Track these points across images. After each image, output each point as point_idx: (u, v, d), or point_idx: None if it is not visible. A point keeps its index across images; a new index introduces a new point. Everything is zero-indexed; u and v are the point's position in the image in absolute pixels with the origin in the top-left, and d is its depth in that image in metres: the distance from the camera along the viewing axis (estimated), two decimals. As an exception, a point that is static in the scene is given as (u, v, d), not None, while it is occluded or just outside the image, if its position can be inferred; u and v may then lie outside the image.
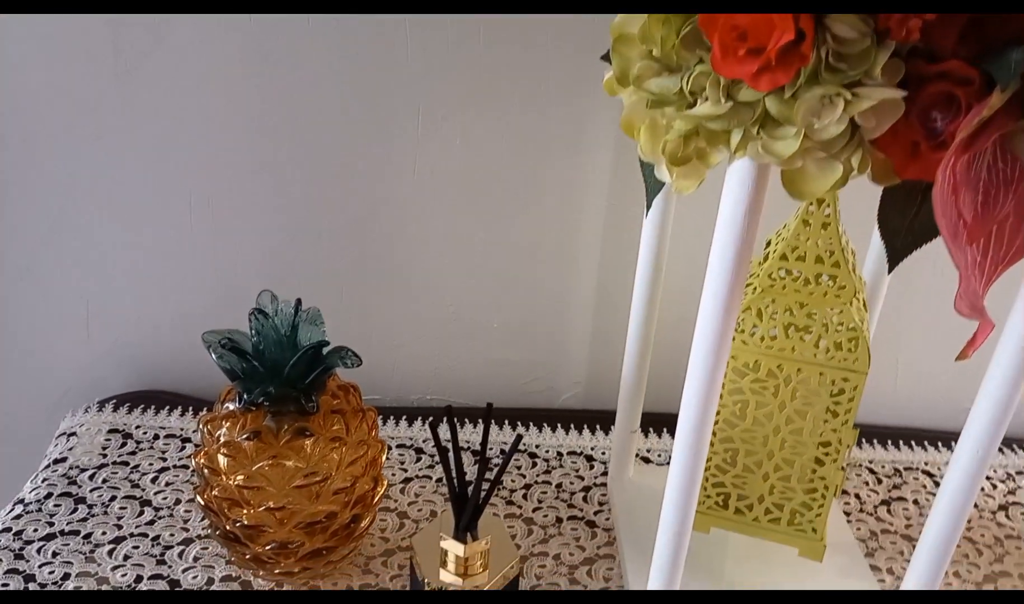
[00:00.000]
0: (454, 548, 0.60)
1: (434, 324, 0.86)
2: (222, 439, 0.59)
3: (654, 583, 0.56)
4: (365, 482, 0.62)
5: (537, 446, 0.82)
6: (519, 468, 0.79)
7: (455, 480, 0.60)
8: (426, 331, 0.86)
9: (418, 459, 0.79)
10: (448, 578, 0.60)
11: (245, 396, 0.57)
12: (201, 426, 0.61)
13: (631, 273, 0.84)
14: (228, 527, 0.59)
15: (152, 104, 0.74)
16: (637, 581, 0.65)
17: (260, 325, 0.58)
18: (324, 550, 0.61)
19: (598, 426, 0.84)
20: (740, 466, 0.61)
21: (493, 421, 0.84)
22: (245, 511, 0.58)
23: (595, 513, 0.74)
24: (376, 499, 0.64)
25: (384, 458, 0.65)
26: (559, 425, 0.84)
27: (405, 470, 0.78)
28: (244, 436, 0.58)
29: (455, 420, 0.61)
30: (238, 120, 0.75)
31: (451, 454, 0.59)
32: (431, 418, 0.58)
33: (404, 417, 0.84)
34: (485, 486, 0.58)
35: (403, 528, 0.72)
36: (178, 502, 0.72)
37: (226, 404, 0.61)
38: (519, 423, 0.84)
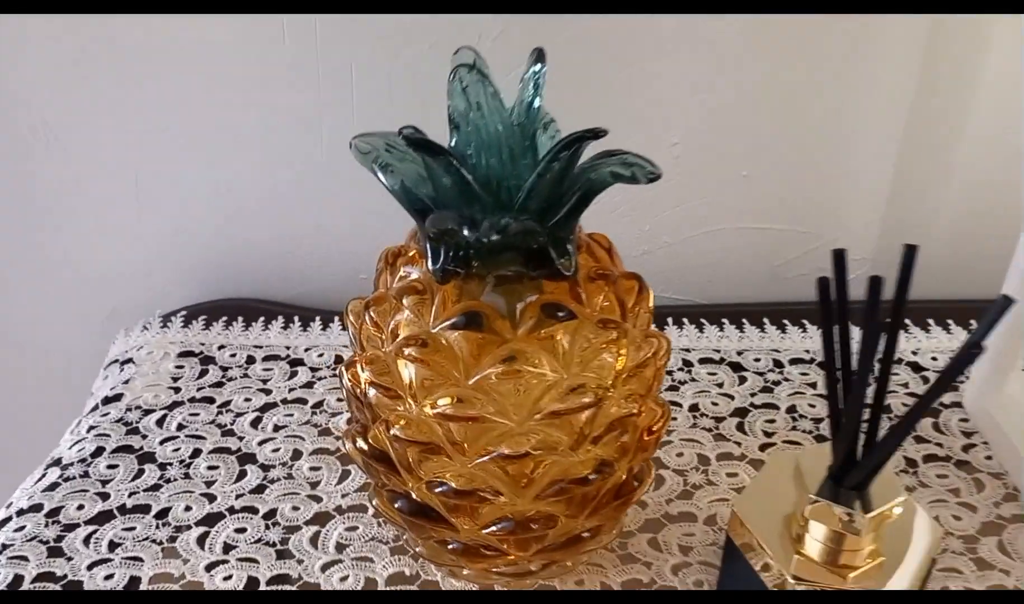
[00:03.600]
0: (835, 521, 0.32)
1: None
2: (403, 329, 0.31)
3: None
4: (649, 407, 0.34)
5: (807, 351, 0.53)
6: (788, 382, 0.50)
7: (847, 393, 0.32)
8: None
9: (648, 379, 0.52)
10: (810, 571, 0.33)
11: (458, 239, 0.29)
12: (352, 317, 0.34)
13: (972, 86, 0.54)
14: (419, 494, 0.32)
15: None
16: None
17: (469, 103, 0.29)
18: (587, 533, 0.34)
19: (907, 321, 0.56)
20: None
21: (724, 322, 0.56)
22: (452, 462, 0.31)
23: (964, 449, 0.46)
24: (658, 436, 0.36)
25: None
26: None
27: (636, 395, 0.50)
28: (448, 322, 0.30)
29: (846, 282, 0.32)
30: None
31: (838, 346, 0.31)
32: (820, 279, 0.30)
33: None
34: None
35: (663, 485, 0.44)
36: (298, 455, 0.46)
37: (405, 271, 0.33)
38: (767, 320, 0.56)
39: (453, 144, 0.31)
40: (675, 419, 0.48)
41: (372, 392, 0.31)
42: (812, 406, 0.49)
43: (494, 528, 0.32)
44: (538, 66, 0.30)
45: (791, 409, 0.49)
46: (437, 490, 0.31)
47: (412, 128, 0.29)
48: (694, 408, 0.49)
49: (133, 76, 0.53)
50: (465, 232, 0.27)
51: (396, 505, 0.33)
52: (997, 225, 0.53)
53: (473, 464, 0.31)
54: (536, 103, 0.30)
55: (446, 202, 0.30)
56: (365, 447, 0.33)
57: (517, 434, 0.30)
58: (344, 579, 0.39)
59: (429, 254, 0.30)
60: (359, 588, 0.38)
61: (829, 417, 0.33)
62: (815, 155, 0.56)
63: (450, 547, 0.33)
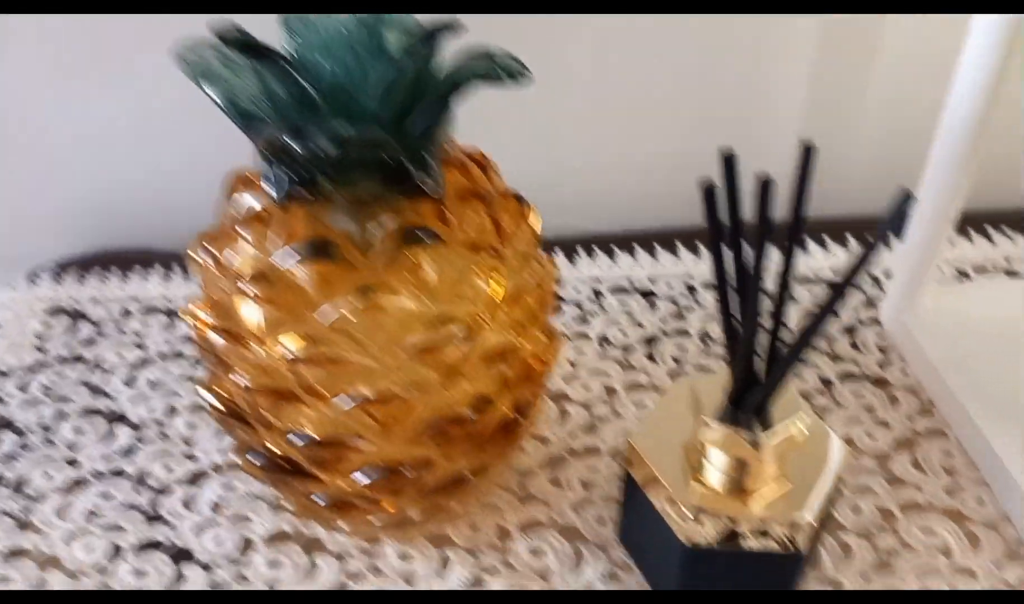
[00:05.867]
0: (733, 445, 0.30)
1: (552, 91, 0.53)
2: (246, 266, 0.28)
3: None
4: (534, 336, 0.31)
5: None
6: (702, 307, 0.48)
7: (744, 309, 0.29)
8: (541, 105, 0.54)
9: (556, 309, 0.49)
10: (713, 502, 0.31)
11: (293, 158, 0.25)
12: (196, 253, 0.30)
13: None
14: (276, 447, 0.29)
15: None
16: (1014, 459, 0.36)
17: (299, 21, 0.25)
18: (469, 476, 0.31)
19: (825, 237, 0.54)
20: None
21: (654, 247, 0.54)
22: (310, 411, 0.28)
23: (880, 365, 0.44)
24: (549, 367, 0.33)
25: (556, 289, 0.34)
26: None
27: (542, 328, 0.47)
28: (296, 254, 0.26)
29: (735, 186, 0.30)
30: None
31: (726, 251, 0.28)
32: (706, 185, 0.28)
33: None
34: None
35: (567, 419, 0.41)
36: (173, 412, 0.42)
37: (241, 197, 0.29)
38: (680, 244, 0.53)
39: (293, 47, 0.26)
40: (584, 353, 0.45)
41: (215, 338, 0.28)
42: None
43: (361, 477, 0.29)
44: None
45: (704, 336, 0.47)
46: (297, 443, 0.28)
47: (234, 28, 0.25)
48: (603, 340, 0.46)
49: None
50: (296, 147, 0.23)
51: (258, 464, 0.30)
52: (920, 139, 0.51)
53: (333, 410, 0.27)
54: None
55: (285, 106, 0.26)
56: (215, 400, 0.29)
57: (381, 375, 0.27)
58: (217, 541, 0.35)
59: (269, 179, 0.26)
60: (234, 549, 0.35)
61: (724, 339, 0.30)
62: (726, 72, 0.53)
63: (317, 503, 0.30)
